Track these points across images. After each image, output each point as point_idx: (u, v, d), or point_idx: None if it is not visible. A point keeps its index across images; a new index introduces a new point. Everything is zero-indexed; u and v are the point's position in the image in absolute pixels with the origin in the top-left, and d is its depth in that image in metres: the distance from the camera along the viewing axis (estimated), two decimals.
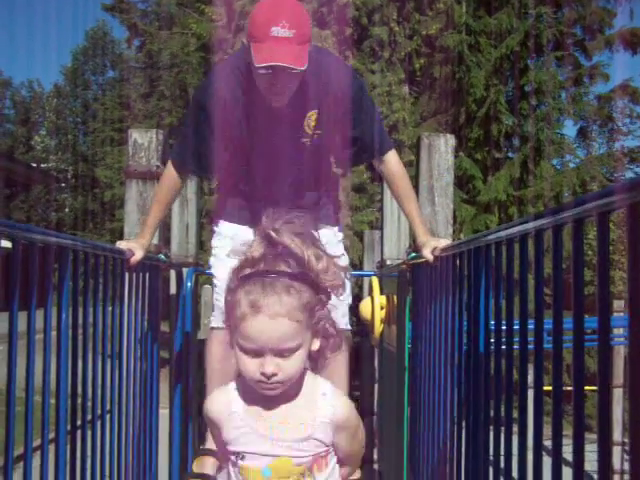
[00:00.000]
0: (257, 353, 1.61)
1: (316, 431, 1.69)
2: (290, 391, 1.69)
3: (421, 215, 2.92)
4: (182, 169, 2.87)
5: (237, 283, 1.65)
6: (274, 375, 1.61)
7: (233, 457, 1.70)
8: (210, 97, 2.76)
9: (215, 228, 3.03)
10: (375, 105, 3.03)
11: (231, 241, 2.78)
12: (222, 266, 2.72)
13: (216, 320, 2.84)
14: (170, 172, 2.88)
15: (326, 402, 1.72)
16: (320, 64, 2.73)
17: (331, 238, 2.87)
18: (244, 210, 2.90)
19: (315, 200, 2.91)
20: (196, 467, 2.79)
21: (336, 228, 3.00)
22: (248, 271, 1.65)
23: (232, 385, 1.75)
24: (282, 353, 1.61)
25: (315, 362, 1.78)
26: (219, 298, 2.79)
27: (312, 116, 2.71)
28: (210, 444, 2.65)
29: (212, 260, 2.97)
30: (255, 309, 1.58)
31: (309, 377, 1.76)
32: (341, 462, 1.79)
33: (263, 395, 1.67)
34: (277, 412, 1.69)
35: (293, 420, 1.68)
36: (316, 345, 1.70)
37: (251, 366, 1.62)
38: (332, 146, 2.86)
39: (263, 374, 1.61)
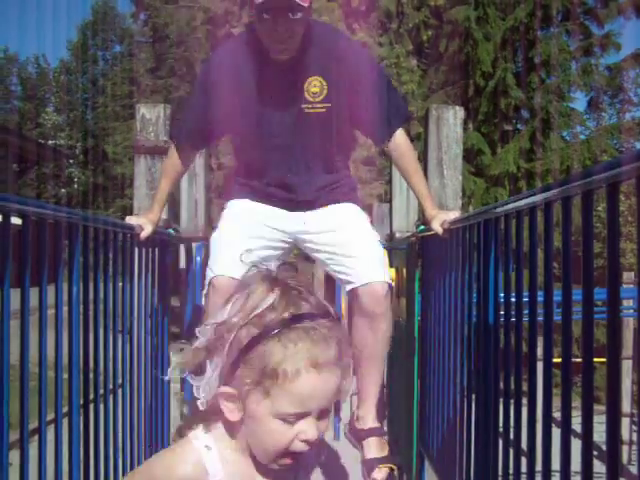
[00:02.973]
0: (298, 417, 1.28)
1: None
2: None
3: (428, 189, 2.89)
4: (180, 147, 2.86)
5: (260, 333, 1.27)
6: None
7: None
8: (210, 74, 2.76)
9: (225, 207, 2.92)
10: (387, 78, 2.95)
11: (241, 213, 2.74)
12: (231, 220, 2.73)
13: (220, 267, 2.58)
14: (175, 148, 2.89)
15: None
16: (325, 34, 2.72)
17: (350, 211, 2.78)
18: (255, 192, 2.80)
19: (329, 182, 2.76)
20: None
21: (353, 205, 2.82)
22: (270, 318, 1.29)
23: (201, 443, 1.36)
24: (325, 414, 1.31)
25: None
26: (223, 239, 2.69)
27: (314, 82, 2.65)
28: None
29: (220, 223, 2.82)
30: (314, 365, 1.26)
31: None
32: None
33: (252, 467, 1.36)
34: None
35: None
36: None
37: (286, 435, 1.28)
38: (344, 119, 2.72)
39: (306, 441, 1.29)
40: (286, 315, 1.28)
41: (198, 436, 1.35)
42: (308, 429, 1.28)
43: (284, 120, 2.64)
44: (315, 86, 2.63)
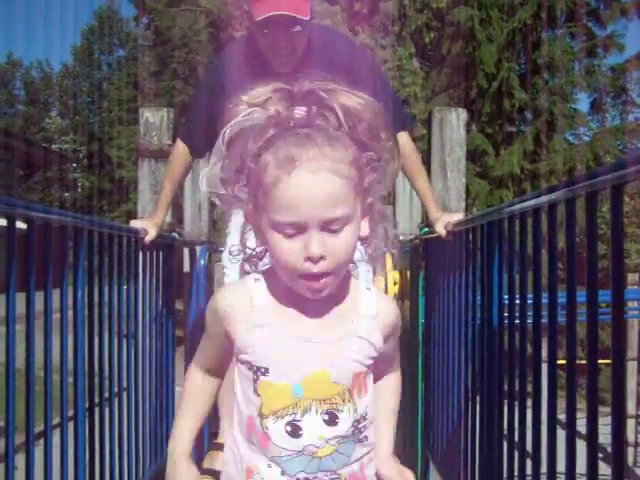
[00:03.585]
0: (298, 229, 1.19)
1: (360, 327, 1.30)
2: (339, 292, 1.30)
3: (432, 191, 2.89)
4: (185, 147, 2.87)
5: (260, 145, 1.23)
6: (322, 259, 1.19)
7: (249, 371, 1.27)
8: (214, 77, 2.78)
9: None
10: (389, 82, 2.98)
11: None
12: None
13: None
14: (178, 150, 2.89)
15: (371, 296, 1.34)
16: (326, 37, 2.74)
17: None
18: None
19: None
20: (206, 463, 2.52)
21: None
22: (272, 132, 1.24)
23: (251, 276, 1.34)
24: (330, 225, 1.19)
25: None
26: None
27: None
28: (222, 438, 2.49)
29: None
30: (290, 164, 1.18)
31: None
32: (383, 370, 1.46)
33: (301, 297, 1.27)
34: (320, 320, 1.29)
35: (334, 319, 1.29)
36: (365, 229, 1.29)
37: (291, 251, 1.20)
38: None
39: (309, 258, 1.19)
40: (287, 127, 1.23)
41: (252, 274, 1.34)
42: (308, 243, 1.19)
43: None
44: None
